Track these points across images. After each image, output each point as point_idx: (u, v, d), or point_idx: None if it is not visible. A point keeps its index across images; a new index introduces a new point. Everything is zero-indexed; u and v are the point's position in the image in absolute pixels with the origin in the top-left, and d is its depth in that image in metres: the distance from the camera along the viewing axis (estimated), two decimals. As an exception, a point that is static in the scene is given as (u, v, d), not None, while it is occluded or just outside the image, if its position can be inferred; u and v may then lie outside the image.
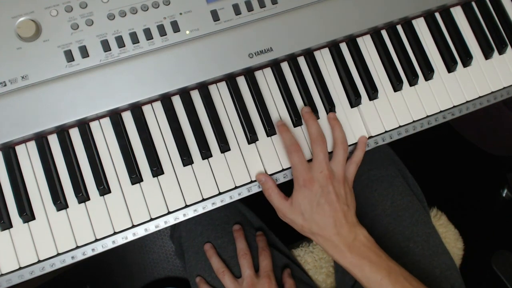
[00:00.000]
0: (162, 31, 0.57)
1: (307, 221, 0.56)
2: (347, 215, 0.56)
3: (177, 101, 0.59)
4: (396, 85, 0.62)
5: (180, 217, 0.56)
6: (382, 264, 0.54)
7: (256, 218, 0.77)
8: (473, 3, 0.67)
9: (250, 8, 0.59)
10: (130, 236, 0.55)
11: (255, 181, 0.58)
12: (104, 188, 0.55)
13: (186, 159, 0.57)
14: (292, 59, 0.61)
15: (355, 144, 0.61)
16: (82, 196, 0.54)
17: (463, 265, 0.76)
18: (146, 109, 0.58)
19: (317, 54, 0.63)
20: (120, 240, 0.55)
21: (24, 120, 0.53)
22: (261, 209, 0.81)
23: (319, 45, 0.62)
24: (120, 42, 0.56)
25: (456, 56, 0.65)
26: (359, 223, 0.57)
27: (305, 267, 0.76)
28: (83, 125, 0.56)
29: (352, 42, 0.63)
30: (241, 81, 0.60)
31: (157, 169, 0.56)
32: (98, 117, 0.57)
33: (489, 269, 0.97)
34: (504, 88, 0.65)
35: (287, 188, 0.58)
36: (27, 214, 0.53)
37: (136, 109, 0.57)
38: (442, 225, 0.76)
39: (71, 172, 0.55)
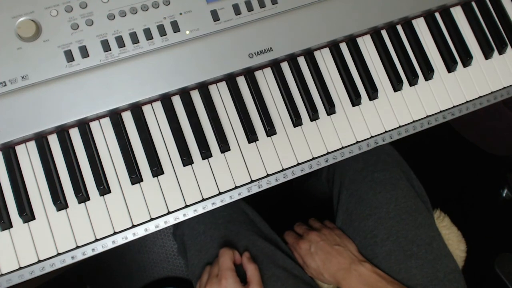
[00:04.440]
0: (162, 31, 0.57)
1: (317, 271, 0.69)
2: (342, 253, 0.68)
3: (177, 101, 0.59)
4: (396, 85, 0.62)
5: (180, 217, 0.56)
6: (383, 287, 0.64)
7: (259, 217, 0.77)
8: (473, 3, 0.67)
9: (250, 8, 0.59)
10: (130, 236, 0.55)
11: (255, 181, 0.58)
12: (104, 188, 0.55)
13: (186, 159, 0.57)
14: (292, 59, 0.61)
15: (356, 143, 0.61)
16: (82, 196, 0.54)
17: (466, 268, 0.75)
18: (146, 109, 0.58)
19: (317, 54, 0.63)
20: (120, 240, 0.55)
21: (24, 120, 0.53)
22: (264, 208, 0.81)
23: (319, 45, 0.62)
24: (120, 42, 0.56)
25: (456, 56, 0.65)
26: (362, 258, 0.68)
27: (305, 267, 0.76)
28: (83, 125, 0.56)
29: (352, 42, 0.63)
30: (241, 81, 0.60)
31: (157, 169, 0.56)
32: (98, 117, 0.57)
33: (492, 272, 0.97)
34: (504, 88, 0.65)
35: (285, 187, 0.58)
36: (27, 214, 0.53)
37: (136, 109, 0.57)
38: (445, 226, 0.76)
39: (71, 172, 0.55)
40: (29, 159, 0.55)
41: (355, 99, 0.61)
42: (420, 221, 0.70)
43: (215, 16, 0.59)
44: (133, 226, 0.55)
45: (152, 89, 0.56)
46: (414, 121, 0.62)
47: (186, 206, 0.56)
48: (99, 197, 0.55)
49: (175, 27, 0.58)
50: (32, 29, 0.54)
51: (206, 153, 0.57)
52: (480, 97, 0.64)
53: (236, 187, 0.58)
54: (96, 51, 0.56)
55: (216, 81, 0.60)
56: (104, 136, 0.57)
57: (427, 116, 0.63)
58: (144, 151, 0.56)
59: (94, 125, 0.57)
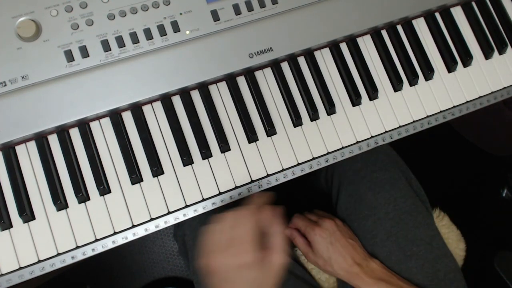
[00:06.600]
0: (162, 31, 0.57)
1: (327, 262, 0.68)
2: (356, 248, 0.68)
3: (177, 101, 0.59)
4: (396, 85, 0.62)
5: (180, 217, 0.56)
6: (394, 283, 0.64)
7: None
8: (473, 3, 0.67)
9: (250, 8, 0.59)
10: (130, 236, 0.55)
11: (255, 181, 0.58)
12: (104, 188, 0.55)
13: (186, 159, 0.57)
14: (292, 59, 0.61)
15: (356, 143, 0.61)
16: (82, 196, 0.54)
17: (465, 266, 0.75)
18: (146, 109, 0.58)
19: (317, 54, 0.63)
20: (120, 240, 0.55)
21: (24, 120, 0.53)
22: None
23: (319, 45, 0.62)
24: (120, 42, 0.56)
25: (456, 56, 0.65)
26: (370, 255, 0.68)
27: (307, 266, 0.76)
28: (83, 125, 0.56)
29: (352, 42, 0.63)
30: (241, 81, 0.60)
31: (157, 169, 0.56)
32: (98, 117, 0.57)
33: (491, 270, 0.97)
34: (504, 88, 0.65)
35: (285, 187, 0.58)
36: (27, 214, 0.53)
37: (136, 109, 0.57)
38: (444, 225, 0.76)
39: (71, 172, 0.55)
40: (29, 159, 0.55)
41: (355, 99, 0.61)
42: (420, 221, 0.70)
43: (215, 16, 0.59)
44: (133, 226, 0.55)
45: (152, 89, 0.56)
46: (414, 121, 0.62)
47: (186, 206, 0.56)
48: (99, 197, 0.55)
49: (175, 27, 0.58)
50: (32, 29, 0.54)
51: (206, 153, 0.57)
52: (480, 97, 0.64)
53: (236, 187, 0.58)
54: (96, 51, 0.56)
55: (216, 81, 0.60)
56: (104, 136, 0.57)
57: (427, 116, 0.63)
58: (144, 151, 0.56)
59: (94, 125, 0.57)
